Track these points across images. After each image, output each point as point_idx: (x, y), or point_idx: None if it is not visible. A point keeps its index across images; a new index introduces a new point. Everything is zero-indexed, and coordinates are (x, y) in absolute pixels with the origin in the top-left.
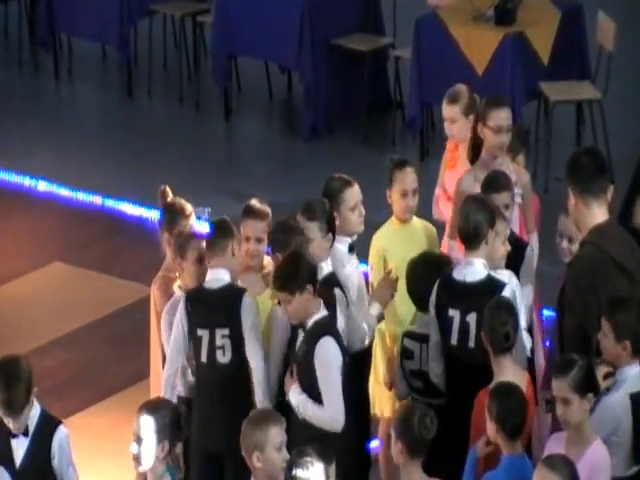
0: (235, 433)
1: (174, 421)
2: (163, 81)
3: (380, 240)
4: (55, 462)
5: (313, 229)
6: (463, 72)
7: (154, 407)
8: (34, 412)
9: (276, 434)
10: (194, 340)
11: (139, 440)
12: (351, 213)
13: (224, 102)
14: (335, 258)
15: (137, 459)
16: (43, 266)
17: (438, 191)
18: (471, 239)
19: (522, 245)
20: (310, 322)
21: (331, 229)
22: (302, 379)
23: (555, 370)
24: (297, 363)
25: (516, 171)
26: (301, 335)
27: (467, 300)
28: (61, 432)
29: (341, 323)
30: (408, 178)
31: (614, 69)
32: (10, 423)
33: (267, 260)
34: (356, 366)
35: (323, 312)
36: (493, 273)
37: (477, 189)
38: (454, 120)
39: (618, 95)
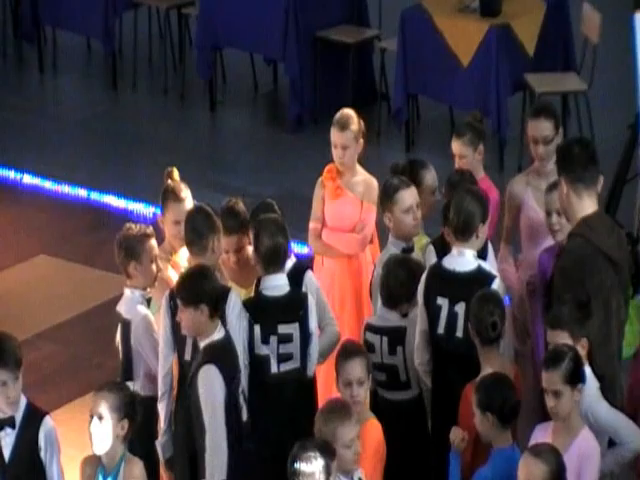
0: None
1: (132, 402)
2: (148, 73)
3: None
4: (42, 454)
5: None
6: (448, 63)
7: (112, 387)
8: (21, 402)
9: (347, 432)
10: (177, 338)
11: (100, 418)
12: (405, 215)
13: (209, 94)
14: (384, 259)
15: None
16: (28, 259)
17: (315, 224)
18: (462, 230)
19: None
20: (202, 344)
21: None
22: (190, 397)
23: (545, 362)
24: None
25: None
26: None
27: (456, 289)
28: (47, 423)
29: (313, 316)
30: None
31: (599, 60)
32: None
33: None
34: None
35: (219, 335)
36: (484, 265)
37: (529, 194)
38: (346, 146)
39: (603, 86)
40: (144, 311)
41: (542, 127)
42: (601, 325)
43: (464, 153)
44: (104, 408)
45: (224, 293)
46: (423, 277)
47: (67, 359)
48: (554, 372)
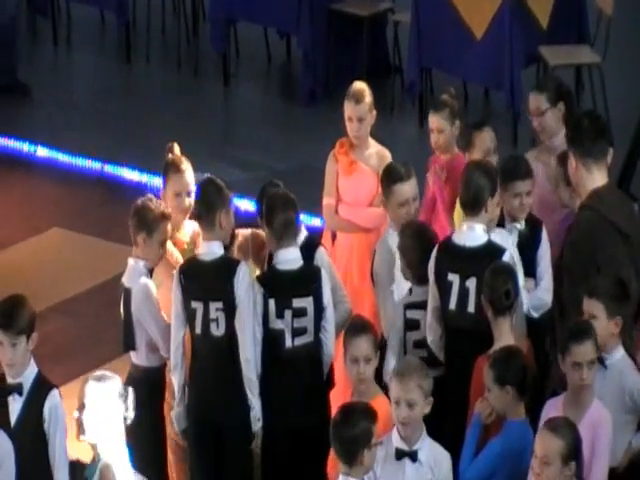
0: (230, 403)
1: (122, 395)
2: (161, 46)
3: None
4: (46, 426)
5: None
6: (462, 37)
7: (101, 377)
8: (30, 371)
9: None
10: (188, 313)
11: (82, 407)
12: (400, 208)
13: (223, 67)
14: (386, 245)
15: (80, 426)
16: (42, 232)
17: (329, 200)
18: (471, 204)
19: (538, 224)
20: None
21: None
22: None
23: (576, 337)
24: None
25: None
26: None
27: (467, 264)
28: (53, 397)
29: (327, 289)
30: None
31: (613, 33)
32: (3, 355)
33: (241, 233)
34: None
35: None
36: (493, 238)
37: (538, 169)
38: (362, 119)
39: (617, 59)
40: (144, 280)
41: (535, 99)
42: None
43: (443, 127)
44: (89, 398)
45: (231, 268)
46: (433, 254)
47: (80, 332)
48: (587, 343)
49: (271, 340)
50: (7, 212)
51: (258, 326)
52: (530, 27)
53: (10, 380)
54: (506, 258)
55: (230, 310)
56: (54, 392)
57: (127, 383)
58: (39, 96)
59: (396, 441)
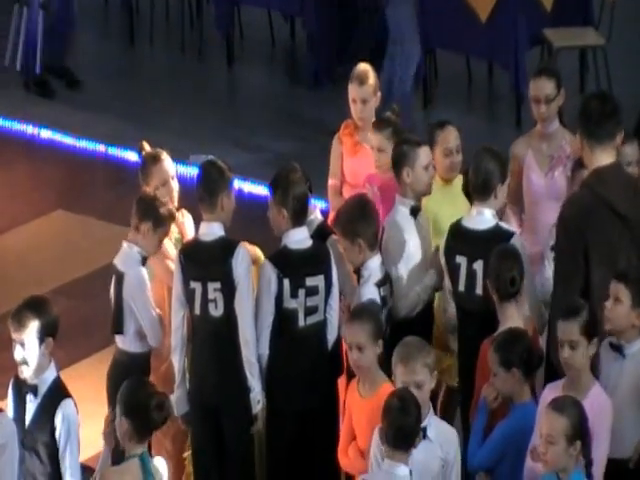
0: (229, 385)
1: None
2: (165, 29)
3: (429, 203)
4: (57, 435)
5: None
6: (466, 19)
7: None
8: (48, 375)
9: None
10: (188, 293)
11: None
12: (424, 172)
13: (227, 50)
14: (394, 221)
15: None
16: (46, 214)
17: (334, 182)
18: (481, 189)
19: None
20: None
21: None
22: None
23: (563, 314)
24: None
25: (572, 143)
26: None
27: (474, 247)
28: (66, 407)
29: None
30: (450, 136)
31: (618, 15)
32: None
33: None
34: (401, 334)
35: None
36: (502, 223)
37: (530, 156)
38: (366, 100)
39: (621, 41)
40: (138, 266)
41: (544, 86)
42: (601, 281)
43: (384, 147)
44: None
45: (230, 248)
46: (445, 236)
47: (84, 314)
48: (573, 322)
49: (284, 320)
50: (11, 194)
51: (270, 307)
52: (534, 9)
53: (29, 380)
54: (514, 241)
55: (228, 291)
56: (67, 402)
57: (112, 367)
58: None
59: None
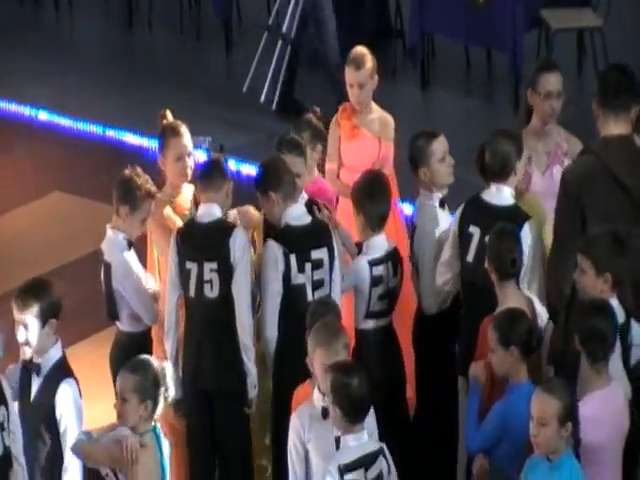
0: (223, 369)
1: (156, 381)
2: (163, 12)
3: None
4: (57, 415)
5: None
6: (464, 1)
7: (136, 366)
8: (52, 355)
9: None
10: (183, 274)
11: (123, 400)
12: (441, 164)
13: (225, 33)
14: (426, 216)
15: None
16: (43, 196)
17: (331, 165)
18: (499, 171)
19: None
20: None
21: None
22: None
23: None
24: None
25: (567, 139)
26: None
27: (490, 220)
28: (67, 387)
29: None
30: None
31: None
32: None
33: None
34: (432, 328)
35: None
36: (520, 205)
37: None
38: (363, 85)
39: (619, 23)
40: (123, 254)
41: (557, 80)
42: None
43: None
44: (127, 390)
45: (227, 230)
46: (461, 206)
47: (82, 296)
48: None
49: (293, 296)
50: (8, 176)
51: (278, 286)
52: None
53: (34, 359)
54: (526, 227)
55: (225, 272)
56: (68, 381)
57: (114, 348)
58: (41, 61)
59: (319, 401)
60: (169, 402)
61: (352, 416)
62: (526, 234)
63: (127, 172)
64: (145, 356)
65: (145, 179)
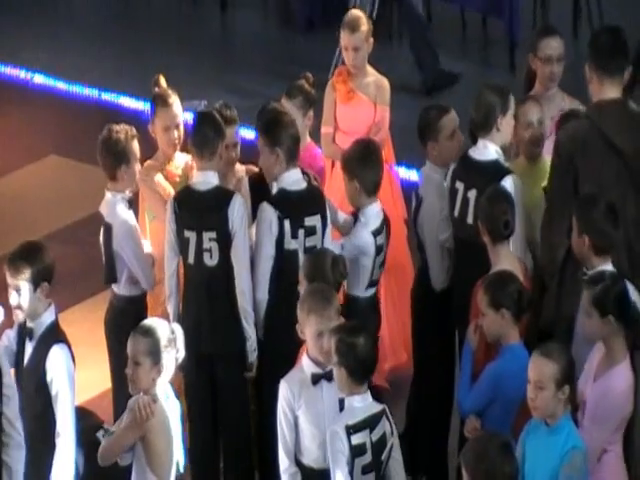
0: (224, 334)
1: (168, 342)
2: None
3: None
4: (48, 379)
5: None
6: None
7: (147, 329)
8: (45, 319)
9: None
10: (181, 242)
11: (136, 364)
12: (449, 141)
13: None
14: (435, 191)
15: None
16: (38, 159)
17: (327, 129)
18: (482, 123)
19: None
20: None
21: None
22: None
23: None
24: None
25: (571, 104)
26: None
27: (471, 175)
28: (58, 351)
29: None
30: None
31: None
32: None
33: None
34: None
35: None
36: (503, 160)
37: None
38: (358, 48)
39: None
40: (125, 215)
41: (557, 44)
42: None
43: (294, 116)
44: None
45: (226, 198)
46: (454, 163)
47: (78, 260)
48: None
49: (285, 261)
50: (4, 140)
51: (271, 250)
52: None
53: (27, 323)
54: (508, 181)
55: (224, 240)
56: (59, 346)
57: (110, 312)
58: (36, 24)
59: (309, 367)
60: (179, 363)
61: (358, 376)
62: (508, 189)
63: (105, 136)
64: (155, 319)
65: (121, 127)
